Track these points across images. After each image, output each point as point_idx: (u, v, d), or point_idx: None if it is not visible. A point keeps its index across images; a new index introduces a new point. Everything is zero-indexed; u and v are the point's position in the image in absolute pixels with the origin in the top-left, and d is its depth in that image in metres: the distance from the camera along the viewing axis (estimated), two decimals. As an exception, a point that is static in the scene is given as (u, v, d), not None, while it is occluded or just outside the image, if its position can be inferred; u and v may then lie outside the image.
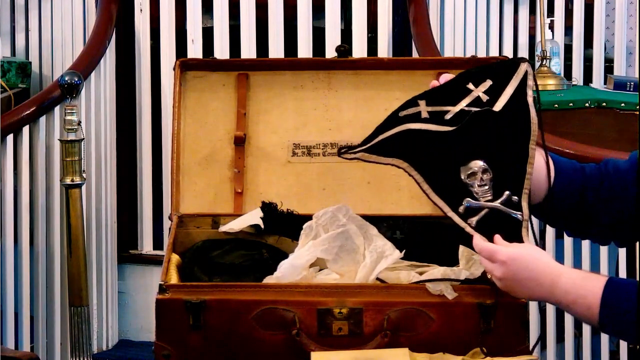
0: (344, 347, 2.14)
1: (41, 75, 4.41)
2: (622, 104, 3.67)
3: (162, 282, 2.21)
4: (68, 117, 3.21)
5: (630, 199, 2.03)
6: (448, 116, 2.08)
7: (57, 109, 3.69)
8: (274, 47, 4.17)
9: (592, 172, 2.09)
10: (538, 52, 4.04)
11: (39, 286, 3.67)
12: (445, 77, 2.10)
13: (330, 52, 3.72)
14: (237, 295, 2.18)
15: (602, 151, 3.05)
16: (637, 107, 3.62)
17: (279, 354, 2.16)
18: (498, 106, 2.07)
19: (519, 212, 2.05)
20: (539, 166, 2.08)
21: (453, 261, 2.28)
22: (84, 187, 3.38)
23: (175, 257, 2.40)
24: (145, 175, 4.26)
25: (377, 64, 2.66)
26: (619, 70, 4.21)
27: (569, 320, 3.42)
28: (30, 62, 4.36)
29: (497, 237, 2.02)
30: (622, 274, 3.22)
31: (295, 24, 4.15)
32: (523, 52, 4.31)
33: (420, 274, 2.26)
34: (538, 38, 4.09)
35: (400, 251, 2.29)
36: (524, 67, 2.09)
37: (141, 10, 4.24)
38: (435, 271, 2.25)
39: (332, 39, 4.09)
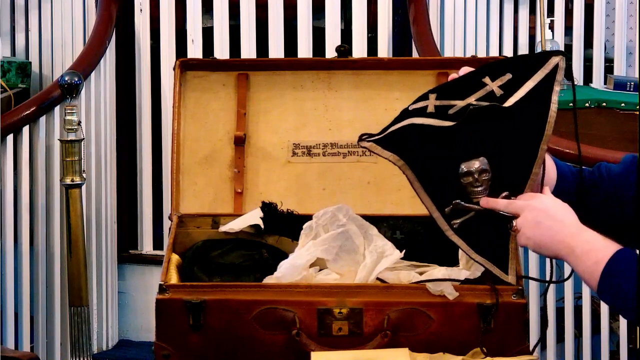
0: (344, 347, 2.14)
1: (41, 75, 4.41)
2: (622, 104, 3.67)
3: (162, 282, 2.21)
4: (68, 117, 3.21)
5: (626, 203, 2.02)
6: (452, 111, 2.01)
7: (57, 109, 3.69)
8: (274, 47, 4.17)
9: (585, 176, 2.08)
10: (538, 52, 4.03)
11: (39, 286, 3.67)
12: (465, 70, 2.05)
13: (330, 52, 3.72)
14: (237, 295, 2.18)
15: (602, 151, 3.05)
16: (637, 107, 3.62)
17: (279, 354, 2.16)
18: (510, 101, 1.99)
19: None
20: (546, 168, 2.04)
21: (453, 261, 2.28)
22: (84, 187, 3.38)
23: (175, 257, 2.40)
24: (145, 175, 4.26)
25: (377, 64, 2.66)
26: (619, 70, 4.20)
27: (569, 320, 3.42)
28: (30, 62, 4.36)
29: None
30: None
31: (295, 24, 4.15)
32: (523, 52, 4.31)
33: (420, 274, 2.26)
34: (538, 38, 4.09)
35: (400, 251, 2.29)
36: (555, 60, 2.01)
37: (141, 10, 4.24)
38: (436, 271, 2.25)
39: (332, 39, 4.09)
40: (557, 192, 2.04)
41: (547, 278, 2.10)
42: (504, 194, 2.00)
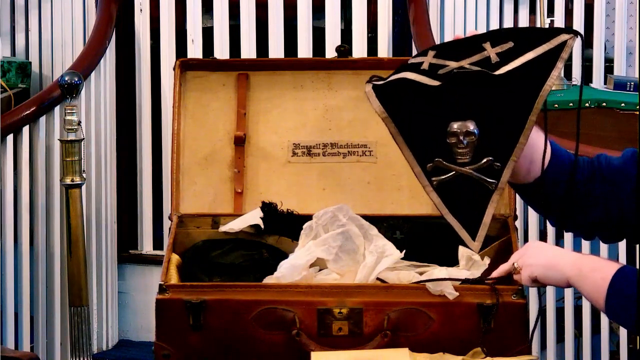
0: (344, 347, 2.14)
1: (41, 75, 4.40)
2: (622, 104, 3.67)
3: (162, 282, 2.21)
4: (68, 117, 3.20)
5: (623, 197, 2.02)
6: (442, 71, 2.01)
7: (57, 109, 3.69)
8: (274, 47, 4.16)
9: (584, 164, 2.07)
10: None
11: (39, 286, 3.67)
12: (471, 32, 2.05)
13: (330, 52, 3.72)
14: (237, 295, 2.18)
15: (602, 151, 3.04)
16: (637, 107, 3.62)
17: (279, 354, 2.16)
18: (503, 70, 1.99)
19: (494, 180, 2.00)
20: (537, 145, 2.04)
21: (453, 261, 2.29)
22: (84, 187, 3.38)
23: (175, 257, 2.40)
24: (145, 175, 4.26)
25: (377, 64, 2.66)
26: (619, 70, 4.20)
27: (569, 320, 3.42)
28: (30, 62, 4.36)
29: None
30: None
31: (295, 24, 4.15)
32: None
33: (420, 274, 2.26)
34: (538, 38, 4.08)
35: (400, 251, 2.29)
36: (564, 37, 1.99)
37: (141, 10, 4.24)
38: (436, 271, 2.25)
39: (332, 39, 4.09)
40: (550, 172, 2.04)
41: None
42: (484, 160, 2.00)
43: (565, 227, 2.16)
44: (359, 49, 4.10)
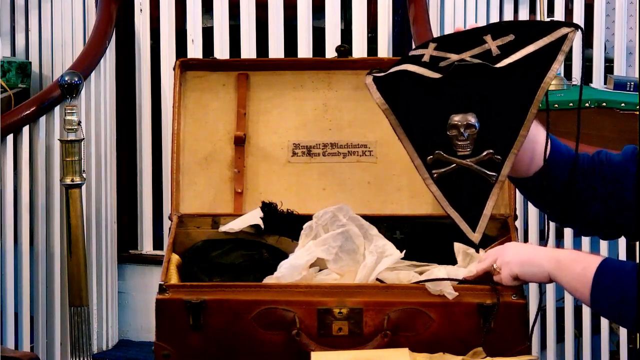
0: (344, 347, 2.14)
1: (41, 75, 4.41)
2: (622, 104, 3.67)
3: (162, 282, 2.21)
4: (68, 117, 3.21)
5: (622, 194, 2.02)
6: (443, 64, 2.01)
7: (57, 109, 3.69)
8: (274, 47, 4.16)
9: (584, 159, 2.07)
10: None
11: (39, 286, 3.67)
12: (471, 26, 2.06)
13: (330, 52, 3.72)
14: (237, 295, 2.18)
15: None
16: (637, 107, 3.62)
17: (279, 354, 2.16)
18: (504, 62, 1.99)
19: (494, 173, 2.01)
20: (538, 139, 2.04)
21: (453, 261, 2.28)
22: (84, 187, 3.38)
23: (175, 257, 2.40)
24: (145, 175, 4.26)
25: (377, 64, 2.65)
26: (619, 70, 4.20)
27: (569, 320, 3.42)
28: (30, 62, 4.36)
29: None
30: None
31: (295, 24, 4.15)
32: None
33: (420, 273, 2.26)
34: (538, 38, 4.08)
35: (400, 251, 2.29)
36: (564, 30, 2.00)
37: (141, 10, 4.24)
38: (436, 271, 2.25)
39: (332, 39, 4.09)
40: (550, 166, 2.04)
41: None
42: (485, 153, 2.01)
43: (564, 222, 2.16)
44: (359, 49, 4.10)
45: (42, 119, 3.66)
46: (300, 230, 2.36)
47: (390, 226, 2.53)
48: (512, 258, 2.03)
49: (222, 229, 2.55)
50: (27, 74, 4.31)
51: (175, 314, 2.17)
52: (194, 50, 4.21)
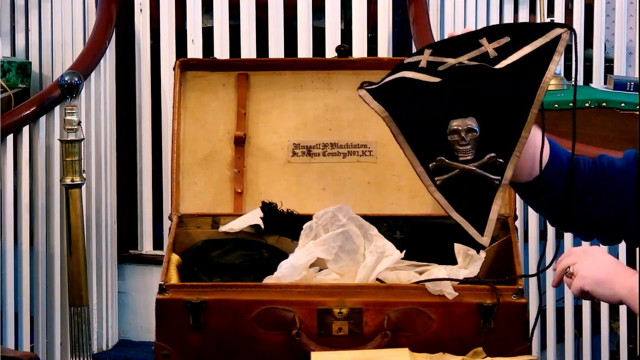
0: (344, 347, 2.14)
1: (41, 75, 4.40)
2: (622, 104, 3.67)
3: (162, 282, 2.21)
4: (68, 117, 3.20)
5: (624, 199, 2.01)
6: (442, 68, 2.00)
7: (57, 109, 3.69)
8: (274, 47, 4.16)
9: (585, 163, 2.07)
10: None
11: (39, 286, 3.67)
12: (467, 30, 2.05)
13: (330, 52, 3.72)
14: (237, 295, 2.18)
15: (602, 151, 3.04)
16: (637, 107, 3.62)
17: (279, 354, 2.16)
18: (503, 64, 1.99)
19: (498, 176, 2.00)
20: (539, 143, 2.03)
21: (453, 261, 2.29)
22: (84, 187, 3.38)
23: (175, 257, 2.40)
24: (145, 175, 4.26)
25: (377, 64, 2.66)
26: (619, 70, 4.20)
27: (569, 320, 3.42)
28: (30, 62, 4.36)
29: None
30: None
31: (295, 24, 4.15)
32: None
33: (420, 273, 2.26)
34: (538, 38, 4.07)
35: (400, 251, 2.29)
36: (558, 31, 2.00)
37: (141, 10, 4.24)
38: (436, 271, 2.25)
39: (332, 39, 4.09)
40: (549, 170, 2.03)
41: (546, 280, 2.10)
42: (487, 156, 1.99)
43: (564, 226, 2.15)
44: (359, 49, 4.10)
45: (42, 119, 3.65)
46: (300, 230, 2.36)
47: (390, 226, 2.53)
48: (590, 273, 1.94)
49: (222, 229, 2.55)
50: (27, 74, 4.31)
51: (175, 314, 2.17)
52: (194, 50, 4.21)
